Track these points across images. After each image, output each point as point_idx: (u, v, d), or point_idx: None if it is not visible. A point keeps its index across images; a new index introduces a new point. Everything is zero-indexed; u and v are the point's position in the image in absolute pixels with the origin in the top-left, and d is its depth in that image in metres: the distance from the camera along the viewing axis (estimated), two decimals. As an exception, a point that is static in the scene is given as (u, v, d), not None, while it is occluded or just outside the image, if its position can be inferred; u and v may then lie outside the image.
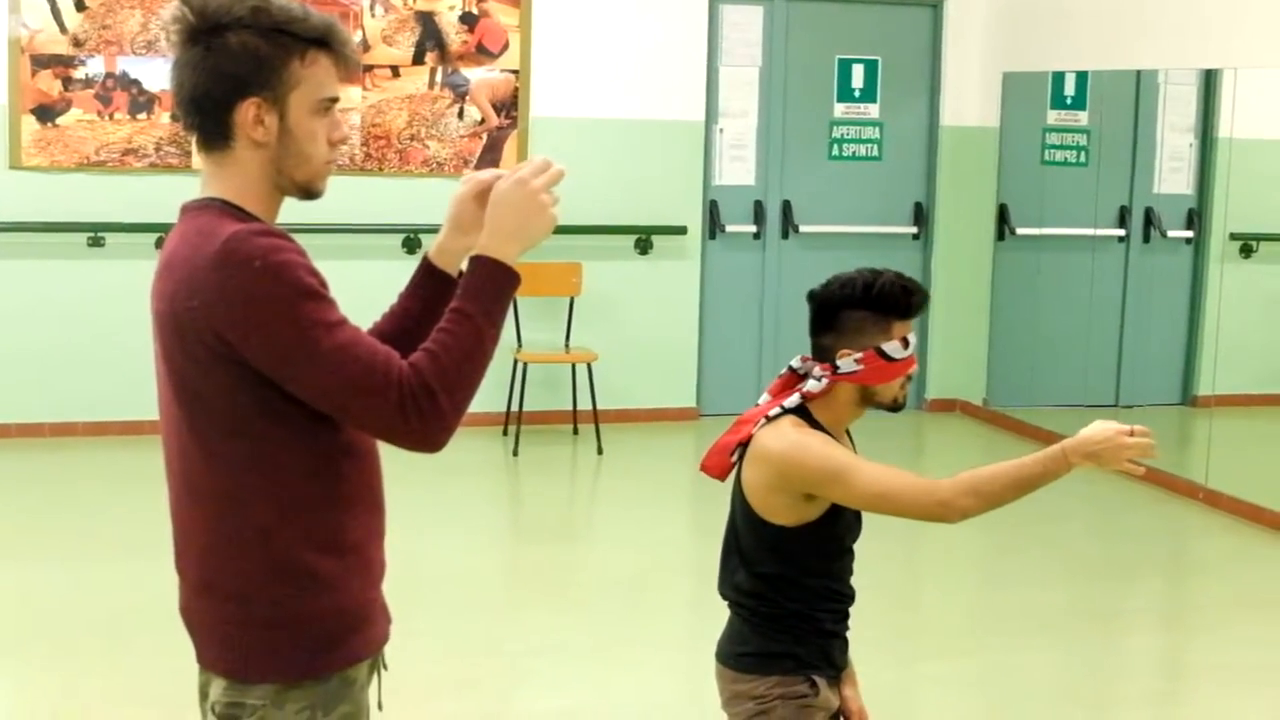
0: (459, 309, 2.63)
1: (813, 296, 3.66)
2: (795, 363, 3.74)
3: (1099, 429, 3.55)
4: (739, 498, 3.68)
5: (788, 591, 3.65)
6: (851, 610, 3.78)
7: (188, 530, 2.69)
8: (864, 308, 3.56)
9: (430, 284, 2.94)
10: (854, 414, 3.66)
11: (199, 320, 2.51)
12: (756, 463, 3.60)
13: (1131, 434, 3.56)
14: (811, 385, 3.59)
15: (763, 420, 3.62)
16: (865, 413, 3.67)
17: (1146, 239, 10.16)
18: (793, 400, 3.61)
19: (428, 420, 2.54)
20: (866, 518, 3.64)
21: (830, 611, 3.71)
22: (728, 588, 3.77)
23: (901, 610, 6.92)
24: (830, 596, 3.70)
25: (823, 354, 3.62)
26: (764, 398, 3.74)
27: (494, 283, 2.66)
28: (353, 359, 2.51)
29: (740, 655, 3.74)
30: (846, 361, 3.56)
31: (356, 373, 2.50)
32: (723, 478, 3.75)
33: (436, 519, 7.52)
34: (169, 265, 2.60)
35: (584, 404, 9.73)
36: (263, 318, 2.48)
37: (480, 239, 2.70)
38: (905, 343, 3.58)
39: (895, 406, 3.68)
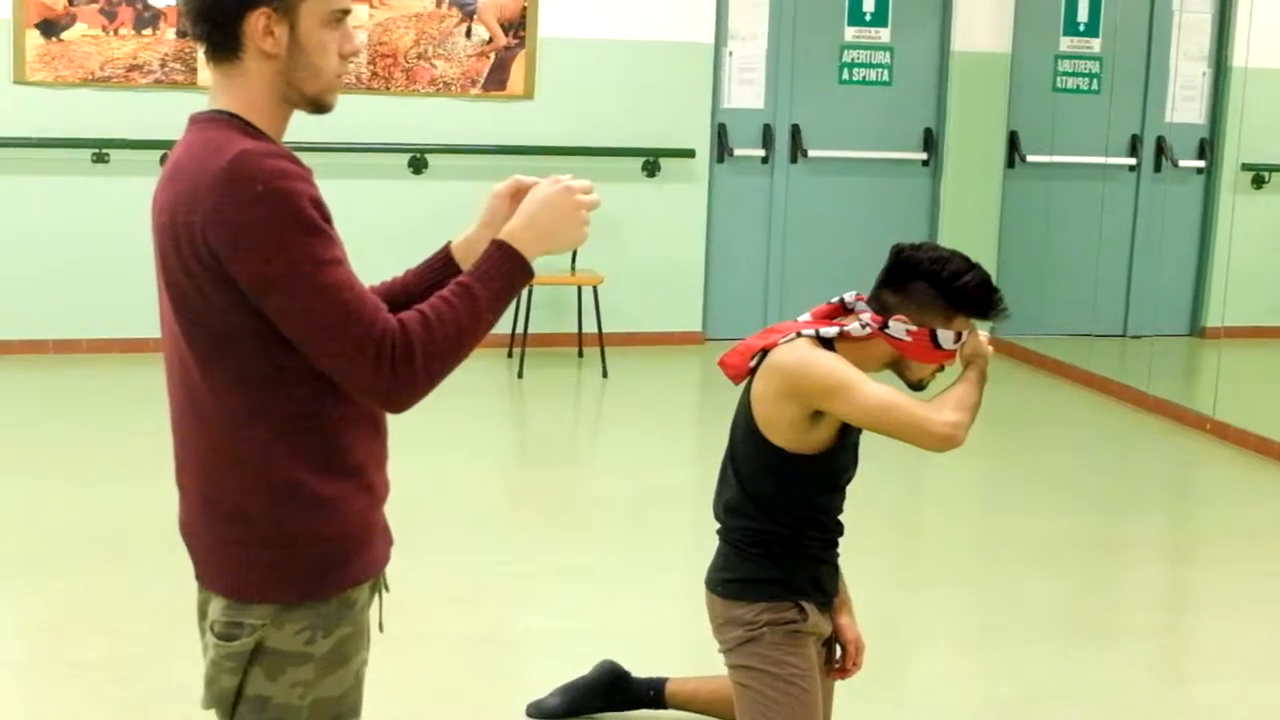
0: (466, 285, 2.59)
1: (899, 252, 3.63)
2: (848, 297, 3.73)
3: (977, 342, 3.67)
4: (744, 412, 3.67)
5: (774, 514, 3.65)
6: (841, 541, 3.78)
7: (188, 447, 2.66)
8: (940, 290, 3.54)
9: (443, 272, 2.90)
10: (874, 369, 3.65)
11: (195, 235, 2.47)
12: (768, 373, 3.60)
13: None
14: (854, 328, 3.58)
15: (792, 335, 3.61)
16: (883, 371, 3.66)
17: (1158, 168, 10.10)
18: (830, 331, 3.61)
19: (400, 381, 2.50)
20: (870, 446, 3.62)
21: (816, 539, 3.71)
22: (719, 506, 3.79)
23: (903, 537, 6.92)
24: (816, 525, 3.71)
25: (880, 306, 3.60)
26: (804, 317, 3.73)
27: (508, 272, 2.63)
28: (339, 301, 2.46)
29: (728, 581, 3.75)
30: (898, 327, 3.54)
31: (339, 316, 2.46)
32: (738, 380, 3.75)
33: (440, 441, 7.50)
34: (172, 176, 2.57)
35: (589, 327, 9.70)
36: (255, 243, 2.43)
37: (508, 225, 2.69)
38: (959, 336, 3.57)
39: (918, 386, 3.68)
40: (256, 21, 2.55)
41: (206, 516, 2.65)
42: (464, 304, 2.57)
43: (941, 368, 3.65)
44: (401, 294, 2.87)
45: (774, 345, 3.63)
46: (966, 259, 3.60)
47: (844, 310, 3.72)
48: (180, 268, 2.52)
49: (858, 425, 3.58)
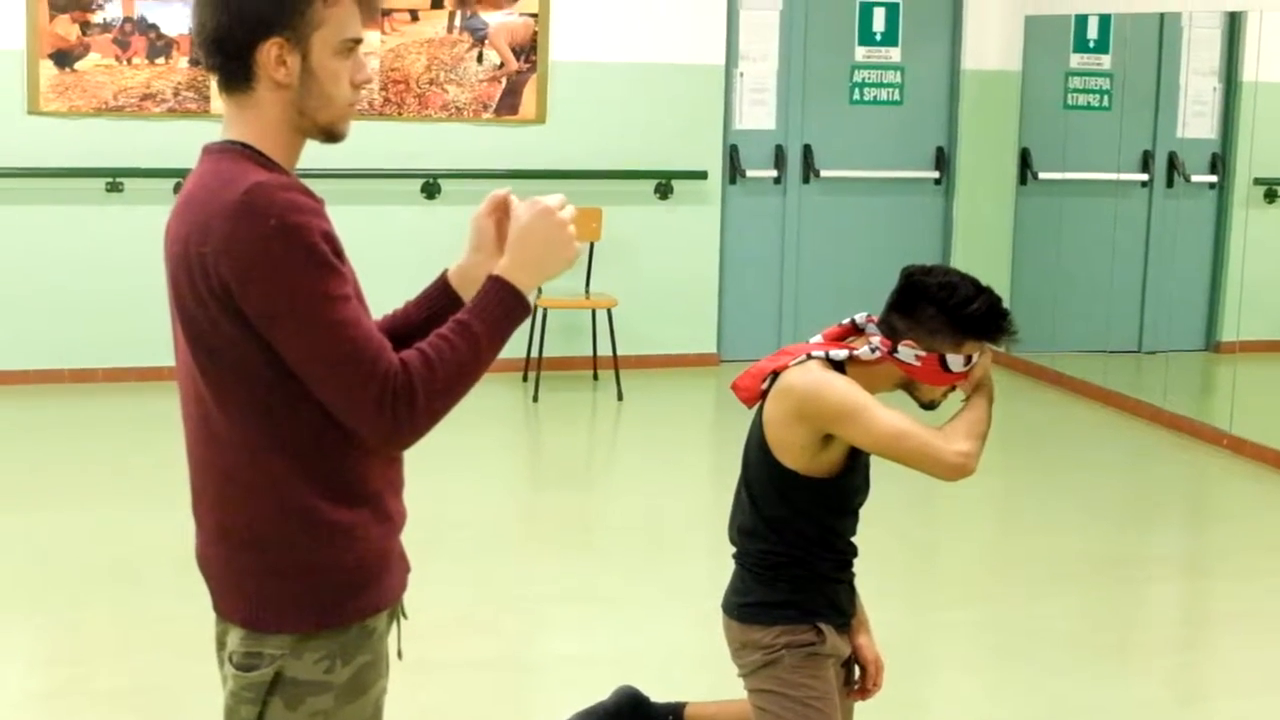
0: (465, 322, 2.60)
1: (909, 275, 3.62)
2: (859, 319, 3.72)
3: (985, 362, 3.64)
4: (757, 434, 3.67)
5: (787, 536, 3.65)
6: (856, 562, 3.77)
7: (204, 476, 2.67)
8: (949, 316, 3.53)
9: (442, 301, 2.91)
10: (885, 390, 3.64)
11: (208, 267, 2.48)
12: (780, 396, 3.60)
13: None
14: (864, 352, 3.58)
15: (803, 357, 3.61)
16: (895, 391, 3.65)
17: (1170, 184, 10.09)
18: (840, 353, 3.60)
19: (401, 421, 2.51)
20: (883, 465, 3.62)
21: (830, 560, 3.71)
22: (733, 530, 3.79)
23: (920, 557, 6.91)
24: (830, 547, 3.70)
25: (889, 330, 3.60)
26: (816, 338, 3.73)
27: (505, 307, 2.64)
28: (345, 339, 2.47)
29: (744, 606, 3.74)
30: (907, 351, 3.54)
31: (344, 354, 2.47)
32: (750, 403, 3.75)
33: (456, 465, 7.50)
34: (185, 207, 2.58)
35: (604, 350, 9.70)
36: (265, 276, 2.45)
37: (501, 260, 2.70)
38: (968, 360, 3.56)
39: (929, 406, 3.68)
40: (269, 51, 2.56)
41: (223, 546, 2.65)
42: (464, 342, 2.58)
43: (953, 388, 3.64)
44: (402, 327, 2.87)
45: (785, 367, 3.63)
46: (976, 284, 3.58)
47: (855, 331, 3.72)
48: (193, 298, 2.53)
49: (868, 451, 3.57)
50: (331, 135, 2.68)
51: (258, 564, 2.61)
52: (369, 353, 2.49)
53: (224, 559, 2.66)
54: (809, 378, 3.55)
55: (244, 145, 2.59)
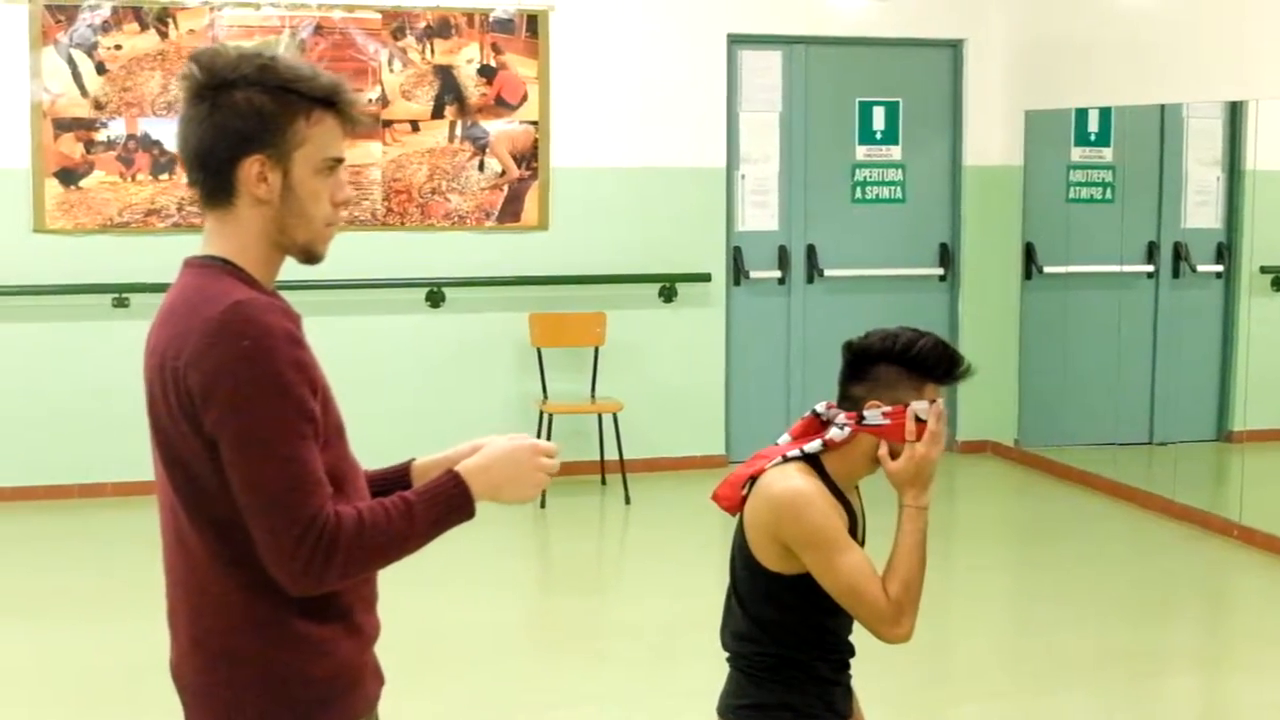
0: (410, 502, 2.61)
1: (849, 347, 3.62)
2: (820, 408, 3.70)
3: (911, 464, 3.52)
4: (740, 540, 3.65)
5: (781, 637, 3.62)
6: (853, 662, 3.74)
7: (178, 588, 2.68)
8: (901, 364, 3.52)
9: (397, 484, 2.89)
10: (867, 469, 3.61)
11: (179, 379, 2.50)
12: (757, 502, 3.58)
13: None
14: (834, 433, 3.56)
15: (779, 459, 3.59)
16: (878, 470, 3.62)
17: (1176, 274, 10.09)
18: (813, 445, 3.58)
19: (312, 569, 2.50)
20: (878, 558, 3.60)
21: (826, 661, 3.67)
22: (726, 635, 3.76)
23: (931, 656, 6.85)
24: (824, 646, 3.67)
25: (851, 404, 3.58)
26: (784, 438, 3.71)
27: (452, 503, 2.65)
28: (287, 474, 2.48)
29: (739, 708, 3.71)
30: (873, 413, 3.52)
31: (280, 487, 2.47)
32: (733, 511, 3.72)
33: (463, 572, 7.47)
34: (166, 319, 2.60)
35: (611, 454, 9.69)
36: (226, 395, 2.46)
37: (468, 461, 2.72)
38: (933, 405, 3.54)
39: None
40: (250, 168, 2.58)
41: (196, 658, 2.65)
42: (402, 520, 2.58)
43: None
44: None
45: (762, 471, 3.61)
46: (915, 329, 3.59)
47: (820, 421, 3.70)
48: (166, 412, 2.55)
49: (821, 584, 3.54)
50: (309, 254, 2.69)
51: (230, 676, 2.61)
52: (306, 493, 2.49)
53: (196, 670, 2.66)
54: (788, 486, 3.52)
55: (224, 260, 2.62)
